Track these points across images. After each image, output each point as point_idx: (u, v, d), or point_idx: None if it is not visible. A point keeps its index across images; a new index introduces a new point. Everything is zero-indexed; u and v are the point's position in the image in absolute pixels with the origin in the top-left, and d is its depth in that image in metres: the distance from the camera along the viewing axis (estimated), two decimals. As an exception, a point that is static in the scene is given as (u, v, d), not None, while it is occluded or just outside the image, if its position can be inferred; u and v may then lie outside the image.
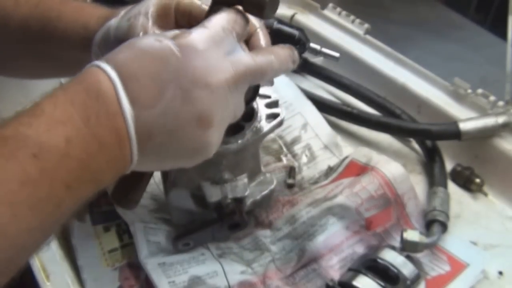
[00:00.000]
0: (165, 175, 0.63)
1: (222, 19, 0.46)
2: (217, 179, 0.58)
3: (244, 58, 0.45)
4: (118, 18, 0.53)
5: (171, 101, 0.41)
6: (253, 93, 0.55)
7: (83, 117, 0.38)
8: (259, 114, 0.59)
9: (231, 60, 0.44)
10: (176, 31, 0.45)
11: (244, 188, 0.58)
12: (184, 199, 0.60)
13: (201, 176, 0.58)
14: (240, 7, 0.48)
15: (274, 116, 0.60)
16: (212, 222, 0.59)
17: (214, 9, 0.48)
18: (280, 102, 0.61)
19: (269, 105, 0.61)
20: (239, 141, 0.56)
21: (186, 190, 0.60)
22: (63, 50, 0.58)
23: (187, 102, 0.42)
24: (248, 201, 0.60)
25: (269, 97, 0.62)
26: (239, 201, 0.58)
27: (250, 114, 0.58)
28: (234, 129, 0.57)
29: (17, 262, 0.36)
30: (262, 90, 0.60)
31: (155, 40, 0.43)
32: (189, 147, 0.44)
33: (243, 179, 0.59)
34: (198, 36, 0.43)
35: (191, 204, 0.60)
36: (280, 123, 0.60)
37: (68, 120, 0.38)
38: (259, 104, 0.60)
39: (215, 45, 0.44)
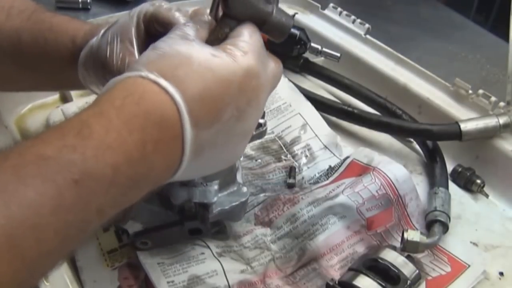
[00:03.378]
0: None
1: (257, 36, 0.46)
2: (187, 181, 0.56)
3: (274, 66, 0.48)
4: (98, 37, 0.53)
5: (227, 121, 0.41)
6: None
7: (137, 143, 0.36)
8: None
9: (270, 74, 0.46)
10: (227, 46, 0.44)
11: (212, 194, 0.56)
12: (149, 197, 0.57)
13: None
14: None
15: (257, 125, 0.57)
16: (172, 224, 0.57)
17: (225, 22, 0.47)
18: (280, 105, 0.60)
19: None
20: None
21: None
22: (53, 63, 0.57)
23: (241, 121, 0.43)
24: (216, 210, 0.58)
25: None
26: (204, 207, 0.56)
27: None
28: None
29: (31, 282, 0.34)
30: None
31: (212, 56, 0.41)
32: (232, 157, 0.47)
33: (214, 186, 0.56)
34: (253, 56, 0.43)
35: (155, 204, 0.58)
36: (262, 134, 0.58)
37: (120, 146, 0.35)
38: None
39: (263, 64, 0.45)
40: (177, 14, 0.51)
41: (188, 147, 0.39)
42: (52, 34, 0.56)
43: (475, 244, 0.66)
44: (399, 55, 0.90)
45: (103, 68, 0.52)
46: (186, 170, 0.41)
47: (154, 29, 0.52)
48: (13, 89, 0.71)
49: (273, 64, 0.47)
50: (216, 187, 0.57)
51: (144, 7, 0.53)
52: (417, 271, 0.58)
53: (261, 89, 0.44)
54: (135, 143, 0.36)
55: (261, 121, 0.58)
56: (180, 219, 0.56)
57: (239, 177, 0.61)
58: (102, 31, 0.54)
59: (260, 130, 0.58)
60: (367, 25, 0.96)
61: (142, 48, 0.52)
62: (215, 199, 0.56)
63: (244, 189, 0.60)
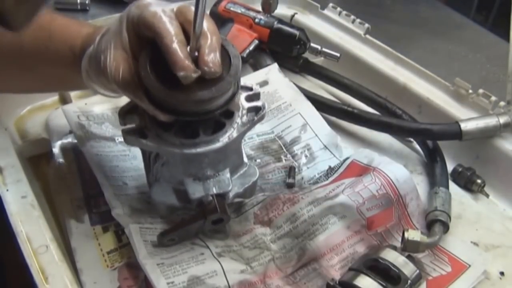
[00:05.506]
0: (148, 169, 0.62)
1: None
2: (200, 175, 0.57)
3: None
4: (95, 45, 0.54)
5: None
6: (235, 88, 0.54)
7: None
8: (240, 109, 0.58)
9: None
10: None
11: (227, 183, 0.57)
12: (167, 194, 0.59)
13: (183, 172, 0.57)
14: None
15: (255, 109, 0.59)
16: (195, 219, 0.58)
17: None
18: (280, 104, 0.60)
19: (250, 98, 0.60)
20: (221, 139, 0.56)
21: (168, 185, 0.59)
22: (54, 69, 0.59)
23: None
24: (231, 195, 0.59)
25: (250, 89, 0.60)
26: (221, 196, 0.57)
27: (231, 111, 0.57)
28: (215, 126, 0.56)
29: None
30: (243, 82, 0.59)
31: None
32: None
33: (226, 174, 0.58)
34: None
35: (174, 199, 0.59)
36: (262, 117, 0.59)
37: None
38: (240, 98, 0.59)
39: None
40: (163, 19, 0.51)
41: None
42: (52, 44, 0.57)
43: (475, 244, 0.66)
44: (399, 54, 0.90)
45: (102, 75, 0.53)
46: None
47: (144, 33, 0.52)
48: (14, 91, 0.72)
49: None
50: (228, 174, 0.58)
51: (130, 12, 0.53)
52: (418, 271, 0.57)
53: None
54: None
55: (258, 104, 0.59)
56: (202, 212, 0.57)
57: (244, 156, 0.62)
58: (97, 39, 0.54)
59: (260, 114, 0.58)
60: (366, 25, 0.96)
61: (137, 51, 0.53)
62: (231, 186, 0.57)
63: (253, 168, 0.62)
